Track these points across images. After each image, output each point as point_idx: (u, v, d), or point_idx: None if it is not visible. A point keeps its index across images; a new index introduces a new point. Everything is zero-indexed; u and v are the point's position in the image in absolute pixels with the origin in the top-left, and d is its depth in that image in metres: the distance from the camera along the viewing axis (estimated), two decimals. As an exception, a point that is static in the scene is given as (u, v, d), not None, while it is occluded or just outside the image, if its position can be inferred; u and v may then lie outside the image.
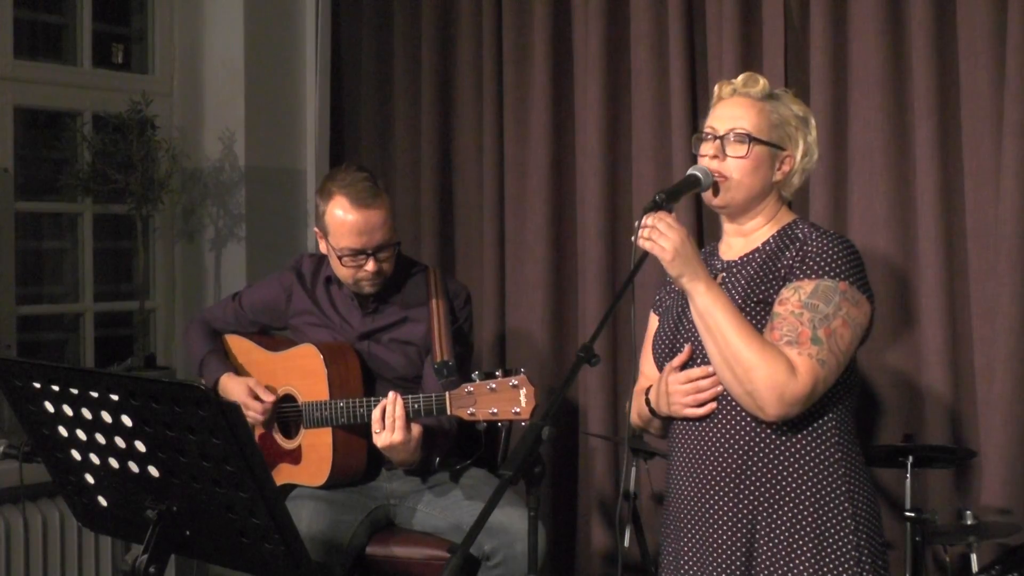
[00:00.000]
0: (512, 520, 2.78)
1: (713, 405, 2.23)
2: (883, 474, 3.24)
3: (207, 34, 4.31)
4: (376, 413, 2.72)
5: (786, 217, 2.34)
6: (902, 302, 3.20)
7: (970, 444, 3.09)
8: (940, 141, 3.10)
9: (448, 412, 2.63)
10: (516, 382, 2.51)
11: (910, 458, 2.86)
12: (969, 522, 2.82)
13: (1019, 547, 2.76)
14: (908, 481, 2.86)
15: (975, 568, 2.83)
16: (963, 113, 3.11)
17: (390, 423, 2.70)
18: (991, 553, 2.94)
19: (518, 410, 2.50)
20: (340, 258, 2.90)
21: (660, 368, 2.36)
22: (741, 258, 2.32)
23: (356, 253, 2.88)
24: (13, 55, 3.84)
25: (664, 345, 2.36)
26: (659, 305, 2.51)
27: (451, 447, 2.99)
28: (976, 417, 3.11)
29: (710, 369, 2.23)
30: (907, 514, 2.82)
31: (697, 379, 2.24)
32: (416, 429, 2.74)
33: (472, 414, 2.58)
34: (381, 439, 2.72)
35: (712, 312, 2.15)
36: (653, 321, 2.50)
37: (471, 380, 2.57)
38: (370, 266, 2.89)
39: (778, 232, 2.30)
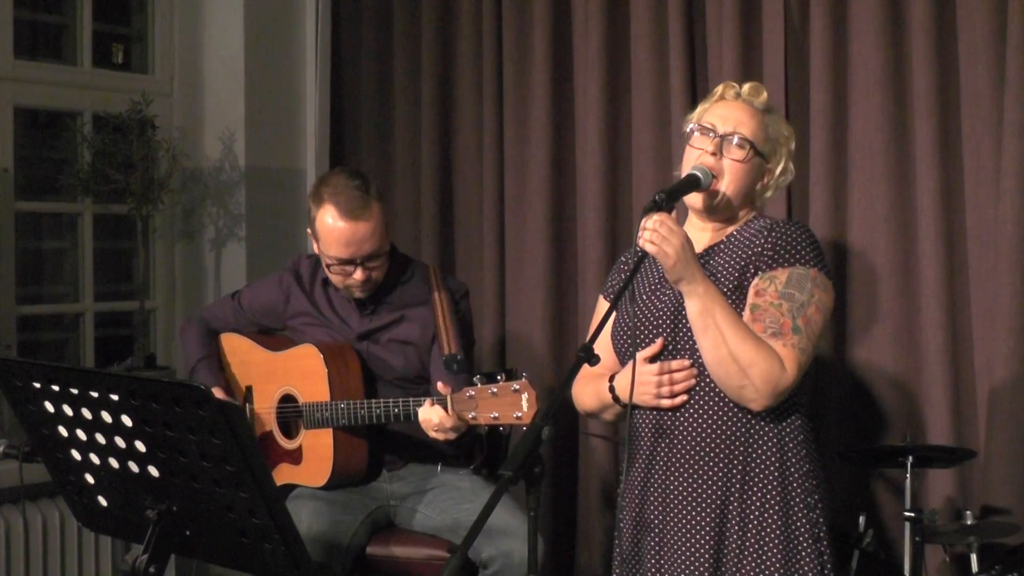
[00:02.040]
0: (511, 526, 2.78)
1: (685, 397, 2.29)
2: (883, 474, 3.24)
3: (207, 34, 4.31)
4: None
5: (750, 214, 2.42)
6: (902, 302, 3.20)
7: (970, 444, 3.09)
8: (940, 141, 3.10)
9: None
10: (518, 386, 2.50)
11: (910, 458, 2.86)
12: (969, 522, 2.82)
13: (1019, 547, 2.76)
14: (908, 481, 2.86)
15: (975, 568, 2.83)
16: (963, 113, 3.11)
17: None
18: (991, 553, 2.94)
19: (519, 414, 2.49)
20: (328, 265, 2.90)
21: (621, 358, 2.41)
22: (706, 250, 2.38)
23: (344, 262, 2.87)
24: (13, 55, 3.84)
25: (626, 336, 2.38)
26: (611, 292, 2.55)
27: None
28: (976, 417, 3.11)
29: (686, 363, 2.28)
30: (907, 514, 2.83)
31: (673, 371, 2.28)
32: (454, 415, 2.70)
33: (473, 418, 2.57)
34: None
35: (711, 313, 2.19)
36: (603, 306, 2.53)
37: (472, 383, 2.56)
38: (358, 275, 2.88)
39: (741, 226, 2.38)
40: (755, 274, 2.27)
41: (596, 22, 3.70)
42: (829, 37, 3.27)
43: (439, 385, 2.65)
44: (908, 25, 3.17)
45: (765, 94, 2.40)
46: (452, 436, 2.68)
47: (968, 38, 3.08)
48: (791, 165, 2.43)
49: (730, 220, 2.40)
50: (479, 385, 2.54)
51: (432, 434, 2.70)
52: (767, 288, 2.24)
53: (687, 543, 2.29)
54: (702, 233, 2.41)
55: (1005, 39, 2.99)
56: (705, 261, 2.34)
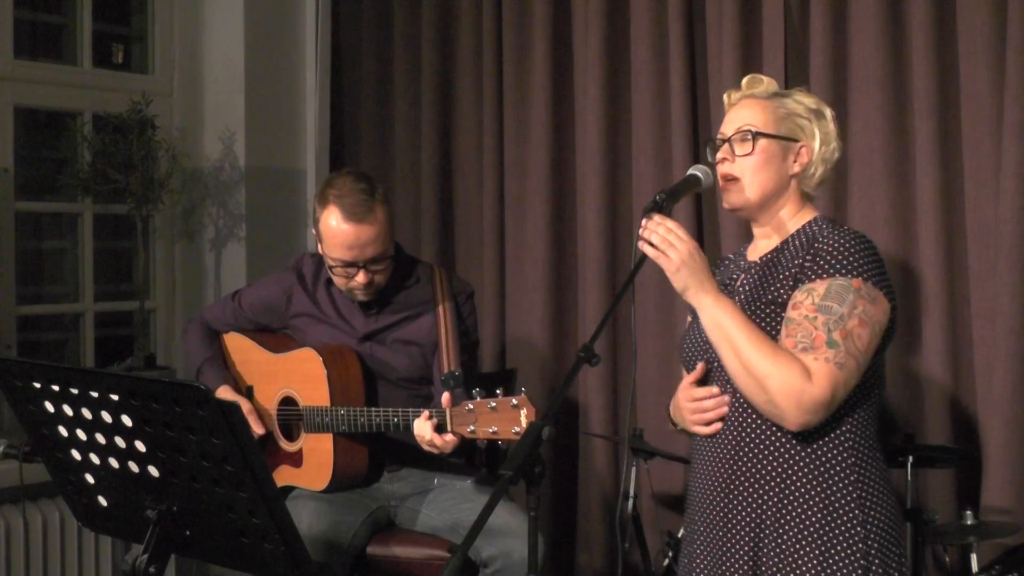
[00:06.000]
0: (511, 525, 2.77)
1: (719, 425, 2.22)
2: (883, 474, 3.24)
3: (207, 34, 4.31)
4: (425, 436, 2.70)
5: (808, 215, 2.30)
6: (902, 302, 3.20)
7: (970, 444, 3.09)
8: (940, 141, 3.10)
9: (448, 429, 2.62)
10: (517, 402, 2.48)
11: (910, 458, 2.86)
12: (969, 522, 2.82)
13: (1019, 547, 2.76)
14: (908, 481, 2.86)
15: (975, 568, 2.83)
16: (963, 113, 3.11)
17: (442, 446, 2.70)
18: (991, 553, 2.94)
19: (518, 430, 2.46)
20: (331, 267, 2.90)
21: (687, 370, 2.34)
22: (761, 258, 2.30)
23: (347, 265, 2.87)
24: (13, 55, 3.84)
25: (686, 351, 2.34)
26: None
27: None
28: (976, 417, 3.11)
29: (715, 390, 2.22)
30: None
31: (701, 399, 2.23)
32: (451, 438, 2.69)
33: (472, 431, 2.55)
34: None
35: (721, 324, 2.12)
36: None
37: (472, 396, 2.55)
38: (360, 278, 2.87)
39: (797, 231, 2.27)
40: (795, 285, 2.17)
41: (596, 22, 3.71)
42: (829, 37, 3.27)
43: (444, 397, 2.65)
44: (908, 25, 3.18)
45: (767, 81, 2.31)
46: (445, 452, 2.68)
47: (968, 38, 3.08)
48: (832, 136, 2.27)
49: (782, 218, 2.28)
50: (478, 399, 2.53)
51: (424, 447, 2.70)
52: (804, 301, 2.12)
53: (722, 560, 2.22)
54: (762, 240, 2.32)
55: (1005, 39, 2.99)
56: (756, 271, 2.27)
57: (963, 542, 2.85)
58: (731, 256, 2.44)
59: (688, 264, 2.11)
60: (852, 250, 2.14)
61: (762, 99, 2.30)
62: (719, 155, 2.30)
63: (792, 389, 2.05)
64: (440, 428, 2.64)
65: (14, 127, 3.85)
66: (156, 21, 4.28)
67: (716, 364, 2.23)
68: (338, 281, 2.94)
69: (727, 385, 2.22)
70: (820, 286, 2.12)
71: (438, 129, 4.21)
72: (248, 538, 1.97)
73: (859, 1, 3.24)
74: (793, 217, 2.29)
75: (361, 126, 4.47)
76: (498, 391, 2.51)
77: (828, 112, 2.31)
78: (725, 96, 2.38)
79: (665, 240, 2.11)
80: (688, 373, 2.33)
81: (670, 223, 2.13)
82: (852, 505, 2.13)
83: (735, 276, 2.35)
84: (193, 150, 4.27)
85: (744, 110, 2.29)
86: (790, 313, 2.14)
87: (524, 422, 2.46)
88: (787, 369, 2.06)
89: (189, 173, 4.27)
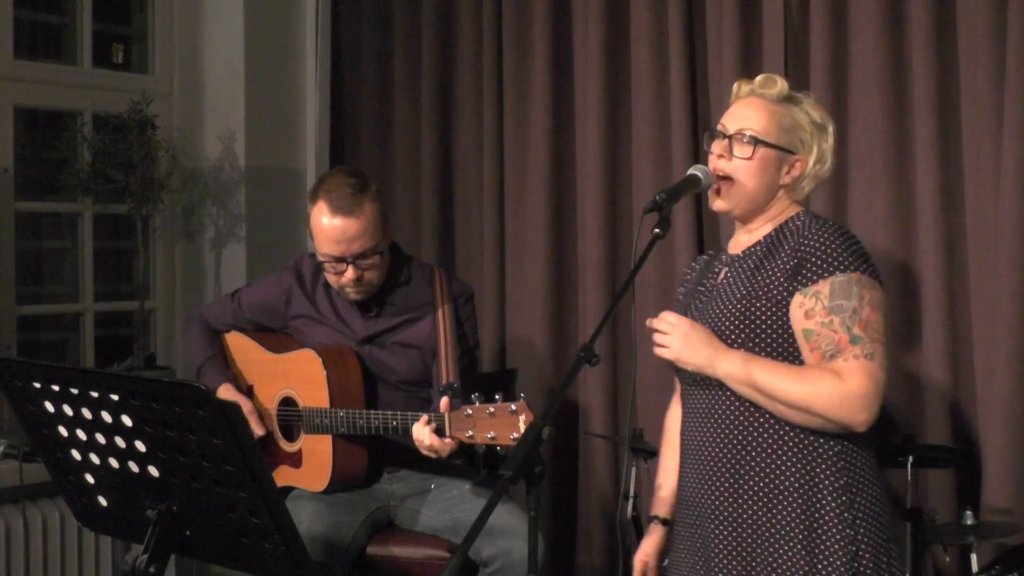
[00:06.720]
0: (511, 525, 2.77)
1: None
2: (883, 474, 3.24)
3: (207, 34, 4.31)
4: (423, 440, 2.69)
5: (791, 211, 2.32)
6: (902, 302, 3.20)
7: (970, 444, 3.09)
8: (940, 141, 3.10)
9: (447, 434, 2.62)
10: (515, 408, 2.47)
11: (910, 458, 2.86)
12: (969, 522, 2.82)
13: (1019, 547, 2.76)
14: (908, 481, 2.86)
15: (975, 568, 2.83)
16: (963, 113, 3.11)
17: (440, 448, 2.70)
18: (991, 553, 2.94)
19: (516, 436, 2.46)
20: (323, 264, 2.90)
21: (677, 373, 2.36)
22: (743, 252, 2.32)
23: (335, 260, 2.87)
24: (13, 55, 3.84)
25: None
26: (677, 301, 2.51)
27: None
28: (976, 417, 3.11)
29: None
30: (907, 514, 2.83)
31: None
32: (450, 442, 2.69)
33: (471, 437, 2.55)
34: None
35: (747, 382, 2.16)
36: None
37: (471, 402, 2.55)
38: (349, 274, 2.87)
39: (779, 225, 2.29)
40: (789, 282, 2.18)
41: (596, 22, 3.71)
42: (829, 37, 3.27)
43: (442, 402, 2.64)
44: (908, 25, 3.18)
45: (781, 83, 2.31)
46: (443, 456, 2.68)
47: (968, 38, 3.08)
48: (828, 154, 2.29)
49: (765, 218, 2.31)
50: (477, 404, 2.53)
51: (423, 451, 2.70)
52: (814, 307, 2.15)
53: (714, 546, 2.23)
54: (743, 235, 2.35)
55: (1005, 39, 2.99)
56: (740, 265, 2.29)
57: (963, 542, 2.85)
58: (711, 252, 2.45)
59: (686, 347, 2.18)
60: (842, 245, 2.18)
61: (771, 103, 2.29)
62: (717, 149, 2.30)
63: (833, 399, 2.10)
64: (439, 432, 2.63)
65: (14, 127, 3.85)
66: (156, 21, 4.28)
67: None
68: (330, 279, 2.93)
69: (706, 381, 2.24)
70: (824, 287, 2.16)
71: (438, 129, 4.21)
72: (248, 538, 1.97)
73: (859, 1, 3.24)
74: (777, 216, 2.32)
75: (361, 126, 4.47)
76: (497, 396, 2.51)
77: (831, 128, 2.32)
78: (735, 85, 2.37)
79: (656, 339, 2.19)
80: (676, 376, 2.37)
81: (656, 320, 2.21)
82: (839, 492, 2.16)
83: (717, 270, 2.36)
84: (193, 150, 4.27)
85: (751, 110, 2.29)
86: (806, 324, 2.16)
87: (522, 428, 2.45)
88: (819, 385, 2.11)
89: (189, 173, 4.27)
